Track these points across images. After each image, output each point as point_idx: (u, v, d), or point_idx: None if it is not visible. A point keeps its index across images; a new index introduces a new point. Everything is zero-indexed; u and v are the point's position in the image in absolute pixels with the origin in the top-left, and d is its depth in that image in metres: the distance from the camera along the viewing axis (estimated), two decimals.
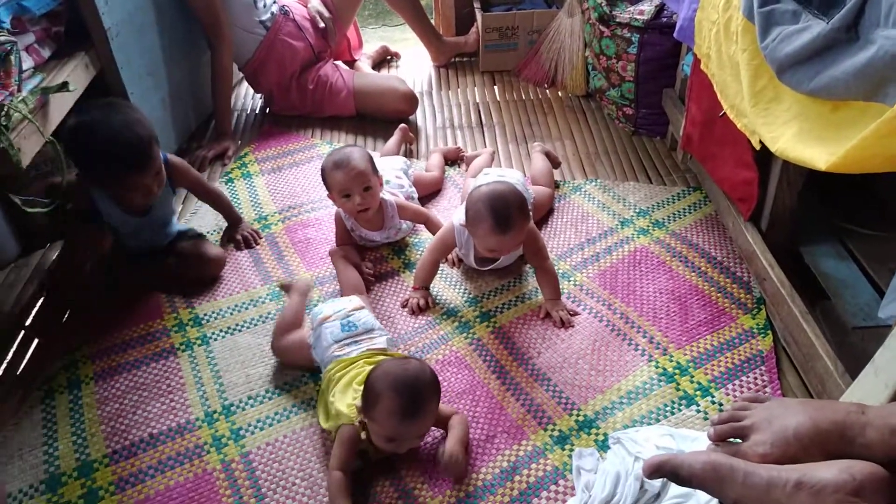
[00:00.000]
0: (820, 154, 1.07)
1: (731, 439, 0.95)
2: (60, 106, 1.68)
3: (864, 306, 1.42)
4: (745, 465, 0.82)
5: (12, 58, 1.52)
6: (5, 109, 1.45)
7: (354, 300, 1.51)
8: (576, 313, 1.59)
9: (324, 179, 1.70)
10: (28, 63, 1.63)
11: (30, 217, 1.81)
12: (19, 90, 1.55)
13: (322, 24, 2.42)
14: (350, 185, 1.65)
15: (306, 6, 2.45)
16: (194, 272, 1.75)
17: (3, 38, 1.49)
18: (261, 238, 1.88)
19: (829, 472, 0.77)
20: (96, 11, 1.78)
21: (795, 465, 0.81)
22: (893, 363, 0.94)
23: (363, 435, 1.25)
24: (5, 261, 1.81)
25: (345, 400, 1.29)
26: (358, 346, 1.40)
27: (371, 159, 1.69)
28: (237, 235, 1.87)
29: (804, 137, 1.15)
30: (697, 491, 1.21)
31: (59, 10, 1.75)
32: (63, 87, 1.63)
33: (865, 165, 0.98)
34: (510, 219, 1.50)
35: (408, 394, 1.19)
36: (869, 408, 0.85)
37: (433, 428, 1.33)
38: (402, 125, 2.22)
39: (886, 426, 0.81)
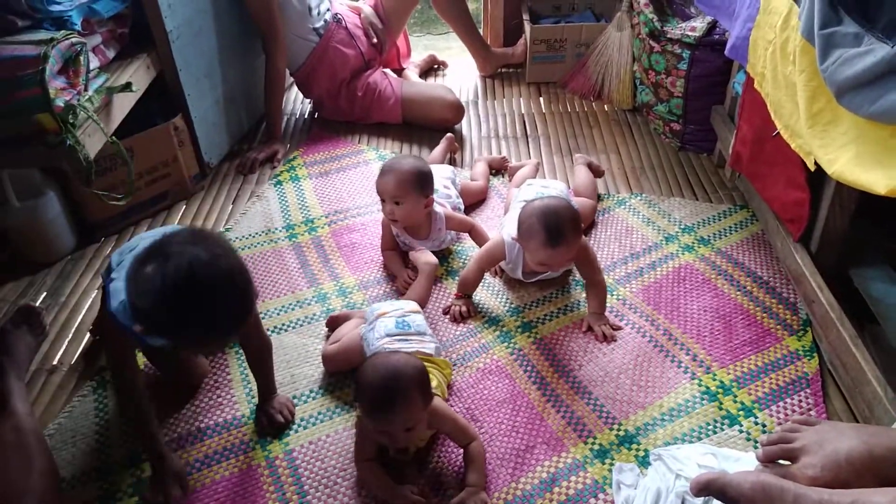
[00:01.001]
0: (879, 178, 1.06)
1: (780, 461, 0.95)
2: (122, 105, 1.75)
3: None
4: (796, 486, 0.82)
5: (81, 58, 1.59)
6: (74, 109, 1.51)
7: (412, 304, 1.55)
8: (619, 328, 1.59)
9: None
10: (94, 63, 1.70)
11: (86, 212, 1.88)
12: (86, 89, 1.62)
13: (375, 39, 2.47)
14: (383, 192, 1.70)
15: (359, 14, 2.50)
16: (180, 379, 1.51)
17: (75, 40, 1.55)
18: (293, 416, 1.45)
19: (883, 498, 0.77)
20: (159, 15, 1.85)
21: (848, 490, 0.80)
22: None
23: None
24: (62, 252, 1.89)
25: None
26: (408, 345, 1.42)
27: (420, 177, 1.70)
28: (271, 412, 1.42)
29: (862, 161, 1.14)
30: None
31: (125, 12, 1.82)
32: (127, 87, 1.69)
33: None
34: (562, 233, 1.52)
35: (383, 385, 1.21)
36: None
37: (453, 444, 1.35)
38: (448, 135, 2.24)
39: None
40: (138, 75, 1.82)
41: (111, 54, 1.80)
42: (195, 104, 2.05)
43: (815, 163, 1.30)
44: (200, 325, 1.05)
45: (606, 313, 1.63)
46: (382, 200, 1.73)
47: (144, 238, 1.19)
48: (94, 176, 1.59)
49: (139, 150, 1.89)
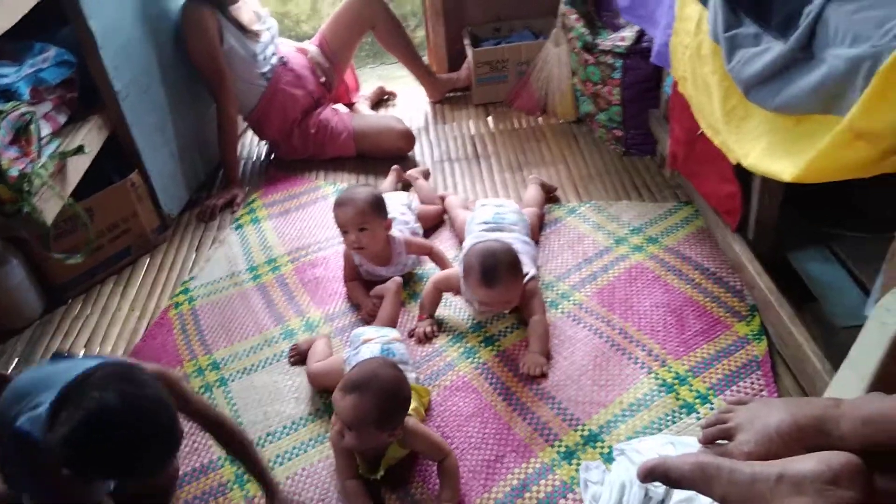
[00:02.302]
0: (786, 167, 1.13)
1: (720, 441, 1.01)
2: (77, 167, 1.80)
3: (850, 307, 1.47)
4: (731, 462, 0.87)
5: (32, 127, 1.64)
6: (28, 177, 1.55)
7: (395, 332, 1.62)
8: (544, 375, 1.58)
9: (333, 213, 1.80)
10: (46, 130, 1.75)
11: (50, 275, 1.91)
12: (39, 156, 1.66)
13: (323, 79, 2.54)
14: (346, 223, 1.75)
15: (306, 55, 2.57)
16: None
17: (24, 109, 1.60)
18: None
19: (807, 464, 0.82)
20: (107, 76, 1.90)
21: (777, 461, 0.86)
22: (866, 358, 0.99)
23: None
24: (31, 318, 1.92)
25: None
26: None
27: (376, 202, 1.77)
28: None
29: (772, 151, 1.21)
30: (700, 496, 1.27)
31: (72, 77, 1.87)
32: (79, 150, 1.74)
33: (825, 175, 1.05)
34: (498, 275, 1.57)
35: (354, 391, 1.28)
36: (843, 401, 0.91)
37: (427, 459, 1.40)
38: (395, 166, 2.31)
39: (859, 417, 0.86)
40: (91, 137, 1.86)
41: (62, 119, 1.85)
42: (150, 158, 2.10)
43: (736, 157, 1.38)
44: (121, 470, 1.03)
45: (564, 318, 1.69)
46: (345, 232, 1.78)
47: (39, 379, 1.12)
48: (55, 238, 1.63)
49: (98, 208, 1.93)
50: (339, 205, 1.76)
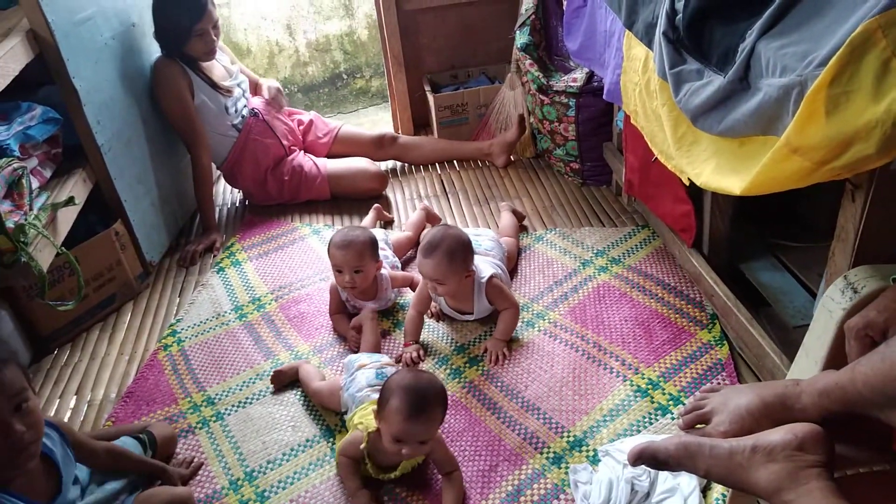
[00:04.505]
0: (735, 182, 1.29)
1: (697, 426, 1.13)
2: (66, 218, 1.86)
3: (800, 308, 1.63)
4: (711, 440, 0.99)
5: (24, 181, 1.70)
6: (24, 228, 1.61)
7: (387, 358, 1.72)
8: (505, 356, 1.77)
9: (328, 251, 1.89)
10: (34, 184, 1.81)
11: (37, 325, 1.95)
12: (31, 208, 1.72)
13: (282, 105, 2.64)
14: (343, 264, 1.84)
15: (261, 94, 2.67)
16: None
17: (16, 165, 1.67)
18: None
19: (776, 435, 0.95)
20: (90, 132, 1.98)
21: (750, 435, 0.98)
22: (816, 345, 1.14)
23: (362, 446, 1.42)
24: None
25: (366, 416, 1.47)
26: None
27: (373, 245, 1.87)
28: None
29: (721, 170, 1.37)
30: (681, 485, 1.39)
31: (57, 133, 1.94)
32: (70, 201, 1.80)
33: (769, 186, 1.20)
34: (434, 249, 1.72)
35: (415, 395, 1.35)
36: (801, 380, 1.04)
37: (438, 469, 1.49)
38: (376, 205, 2.42)
39: (815, 391, 0.99)
40: (77, 189, 1.93)
41: (48, 174, 1.91)
42: (132, 208, 2.16)
43: (689, 178, 1.53)
44: None
45: (541, 336, 1.81)
46: (339, 271, 1.86)
47: None
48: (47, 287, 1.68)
49: (84, 258, 1.98)
50: (338, 247, 1.84)
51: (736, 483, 0.93)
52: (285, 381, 1.78)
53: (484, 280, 1.80)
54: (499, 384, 1.70)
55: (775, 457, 0.92)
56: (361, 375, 1.60)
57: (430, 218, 2.33)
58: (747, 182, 1.24)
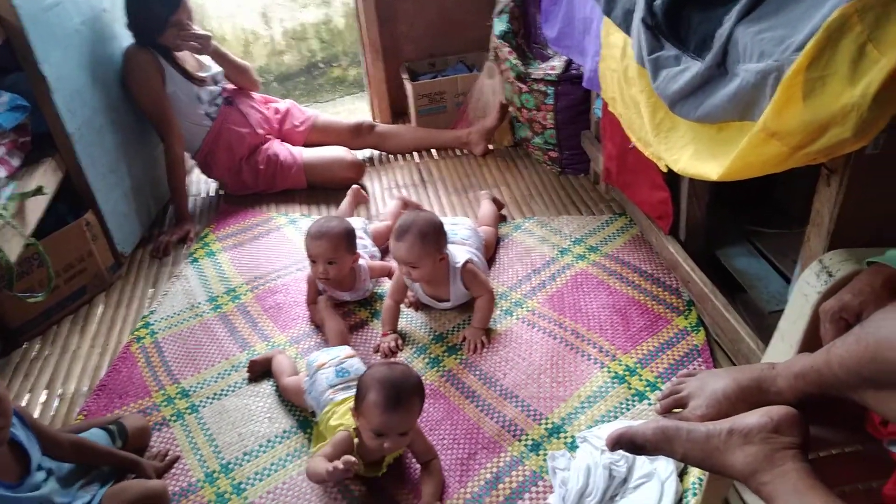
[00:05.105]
0: (712, 167, 1.29)
1: (675, 410, 1.13)
2: (35, 208, 1.81)
3: (775, 294, 1.64)
4: (688, 424, 0.99)
5: None
6: None
7: (346, 349, 1.66)
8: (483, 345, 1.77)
9: (305, 240, 1.87)
10: (2, 173, 1.76)
11: (4, 318, 1.91)
12: None
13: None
14: (317, 255, 1.82)
15: (265, 103, 2.64)
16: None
17: None
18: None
19: (752, 418, 0.95)
20: (60, 120, 1.93)
21: (727, 419, 0.99)
22: (792, 329, 1.14)
23: (356, 441, 1.40)
24: None
25: (344, 417, 1.44)
26: (350, 390, 1.52)
27: (348, 237, 1.85)
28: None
29: (699, 156, 1.37)
30: (658, 470, 1.39)
31: (25, 122, 1.89)
32: (38, 190, 1.76)
33: (747, 172, 1.20)
34: (405, 233, 1.71)
35: (391, 387, 1.33)
36: (777, 363, 1.04)
37: (414, 460, 1.48)
38: (353, 186, 2.39)
39: (791, 374, 1.00)
40: (46, 178, 1.88)
41: (16, 163, 1.86)
42: (103, 198, 2.12)
43: (666, 165, 1.54)
44: None
45: (519, 324, 1.81)
46: (313, 261, 1.85)
47: None
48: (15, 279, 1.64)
49: (53, 248, 1.93)
50: (313, 237, 1.82)
51: (713, 466, 0.94)
52: (261, 370, 1.76)
53: (459, 265, 1.80)
54: (477, 372, 1.70)
55: (751, 439, 0.92)
56: (321, 377, 1.56)
57: (408, 207, 2.31)
58: (724, 167, 1.24)
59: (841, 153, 1.03)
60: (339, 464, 1.28)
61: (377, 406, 1.32)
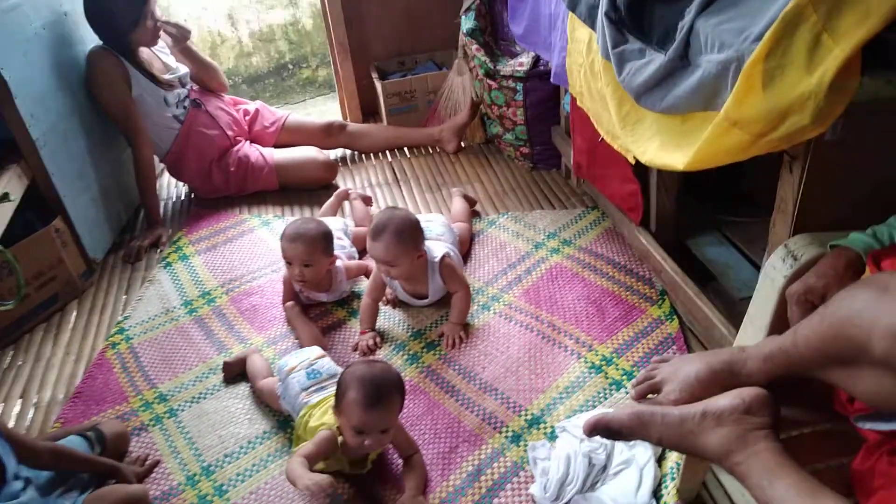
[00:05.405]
0: (678, 158, 1.32)
1: (650, 395, 1.15)
2: (3, 215, 1.78)
3: (745, 281, 1.67)
4: (662, 408, 1.02)
5: None
6: None
7: (315, 350, 1.66)
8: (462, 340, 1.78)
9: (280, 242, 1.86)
10: None
11: None
12: None
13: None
14: (292, 257, 1.82)
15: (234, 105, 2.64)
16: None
17: None
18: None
19: (724, 400, 0.98)
20: (24, 126, 1.90)
21: (700, 402, 1.01)
22: (760, 313, 1.17)
23: (339, 440, 1.40)
24: None
25: (323, 418, 1.44)
26: (325, 391, 1.53)
27: (325, 239, 1.84)
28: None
29: (665, 147, 1.40)
30: (636, 456, 1.42)
31: None
32: (4, 197, 1.74)
33: (711, 160, 1.23)
34: (382, 232, 1.72)
35: (371, 384, 1.34)
36: (746, 347, 1.07)
37: (397, 456, 1.49)
38: (342, 189, 2.38)
39: (760, 356, 1.03)
40: (11, 185, 1.85)
41: None
42: (72, 204, 2.09)
43: (634, 157, 1.56)
44: None
45: (497, 318, 1.82)
46: (289, 263, 1.84)
47: None
48: None
49: (23, 256, 1.89)
50: (289, 239, 1.82)
51: (688, 448, 0.96)
52: (236, 371, 1.75)
53: (437, 260, 1.81)
54: (456, 367, 1.71)
55: (724, 421, 0.95)
56: (293, 381, 1.55)
57: (366, 202, 2.34)
58: (690, 157, 1.27)
59: (801, 140, 1.06)
60: (314, 487, 1.27)
61: (357, 404, 1.33)
